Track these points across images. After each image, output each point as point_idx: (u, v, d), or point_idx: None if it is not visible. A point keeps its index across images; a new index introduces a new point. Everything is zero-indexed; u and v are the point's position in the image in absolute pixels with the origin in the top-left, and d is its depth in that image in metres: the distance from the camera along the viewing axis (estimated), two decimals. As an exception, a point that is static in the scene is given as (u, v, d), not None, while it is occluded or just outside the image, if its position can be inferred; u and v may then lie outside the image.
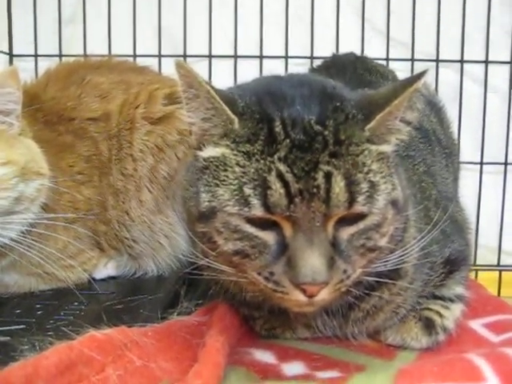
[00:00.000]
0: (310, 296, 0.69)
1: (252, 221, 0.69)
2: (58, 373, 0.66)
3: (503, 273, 1.55)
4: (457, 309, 0.91)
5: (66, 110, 1.19)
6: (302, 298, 0.69)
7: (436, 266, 0.89)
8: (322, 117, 0.70)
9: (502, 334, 0.91)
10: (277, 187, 0.67)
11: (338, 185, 0.67)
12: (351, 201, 0.68)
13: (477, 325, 0.95)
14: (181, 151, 1.17)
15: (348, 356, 0.84)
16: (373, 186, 0.70)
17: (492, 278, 1.52)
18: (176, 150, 1.17)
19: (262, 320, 0.89)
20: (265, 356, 0.84)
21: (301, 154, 0.68)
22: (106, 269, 1.20)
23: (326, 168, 0.68)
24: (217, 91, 0.72)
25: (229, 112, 0.72)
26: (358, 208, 0.69)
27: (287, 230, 0.69)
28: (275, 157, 0.69)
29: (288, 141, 0.69)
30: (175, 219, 1.18)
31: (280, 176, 0.68)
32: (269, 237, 0.69)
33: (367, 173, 0.70)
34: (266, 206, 0.67)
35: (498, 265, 1.56)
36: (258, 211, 0.68)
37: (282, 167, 0.68)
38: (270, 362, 0.82)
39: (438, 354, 0.85)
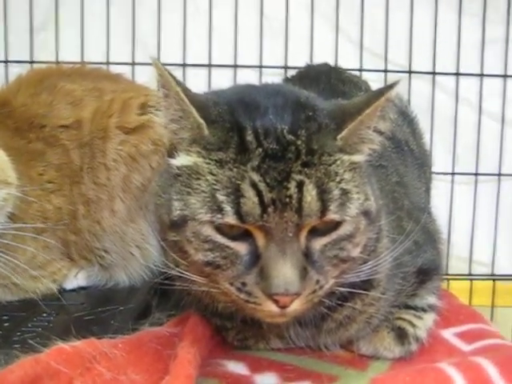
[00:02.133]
0: (283, 307, 0.68)
1: (223, 231, 0.69)
2: (23, 387, 0.64)
3: (474, 282, 1.57)
4: (429, 318, 0.91)
5: (36, 117, 1.17)
6: (274, 308, 0.68)
7: (408, 275, 0.89)
8: (295, 126, 0.70)
9: (473, 342, 0.92)
10: (250, 195, 0.67)
11: (310, 193, 0.67)
12: (323, 209, 0.68)
13: (449, 334, 0.95)
14: (154, 161, 1.16)
15: (321, 367, 0.83)
16: (345, 193, 0.70)
17: (463, 287, 1.54)
18: (150, 159, 1.17)
19: (234, 331, 0.88)
20: (237, 367, 0.83)
21: (274, 164, 0.68)
22: (76, 279, 1.18)
23: (298, 177, 0.68)
24: (187, 94, 0.72)
25: (196, 115, 0.71)
26: (330, 216, 0.69)
27: (260, 239, 0.68)
28: (248, 166, 0.68)
29: (260, 150, 0.69)
30: (147, 229, 1.17)
31: (253, 185, 0.67)
32: (240, 247, 0.69)
33: (339, 182, 0.70)
34: (239, 215, 0.67)
35: (470, 274, 1.58)
36: (230, 219, 0.67)
37: (255, 176, 0.68)
38: (243, 374, 0.82)
39: (410, 363, 0.86)
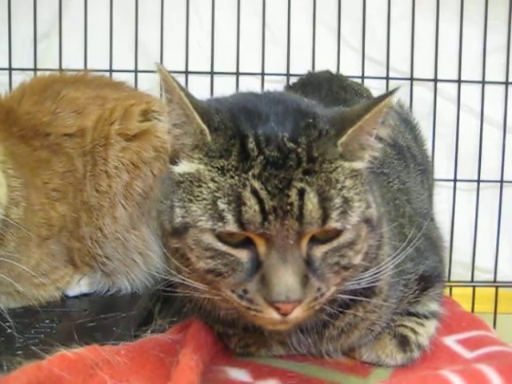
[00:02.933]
0: (284, 314, 0.68)
1: (224, 239, 0.69)
2: (26, 394, 0.64)
3: (477, 289, 1.56)
4: (431, 325, 0.91)
5: (41, 125, 1.17)
6: (275, 316, 0.68)
7: (410, 282, 0.89)
8: (295, 134, 0.71)
9: (475, 350, 0.91)
10: (252, 203, 0.67)
11: (311, 201, 0.67)
12: (325, 217, 0.68)
13: (451, 341, 0.95)
14: (156, 168, 1.17)
15: (323, 373, 0.83)
16: (346, 201, 0.70)
17: (466, 294, 1.54)
18: (151, 166, 1.17)
19: (236, 337, 0.88)
20: (239, 374, 0.83)
21: (275, 172, 0.68)
22: (79, 286, 1.18)
23: (299, 185, 0.68)
24: (191, 99, 0.72)
25: (199, 120, 0.72)
26: (332, 224, 0.69)
27: (261, 247, 0.68)
28: (250, 174, 0.69)
29: (262, 157, 0.69)
30: (149, 236, 1.17)
31: (255, 193, 0.68)
32: (242, 254, 0.69)
33: (340, 189, 0.70)
34: (240, 223, 0.67)
35: (472, 281, 1.58)
36: (231, 227, 0.67)
37: (257, 184, 0.68)
38: (245, 381, 0.82)
39: (412, 370, 0.85)
